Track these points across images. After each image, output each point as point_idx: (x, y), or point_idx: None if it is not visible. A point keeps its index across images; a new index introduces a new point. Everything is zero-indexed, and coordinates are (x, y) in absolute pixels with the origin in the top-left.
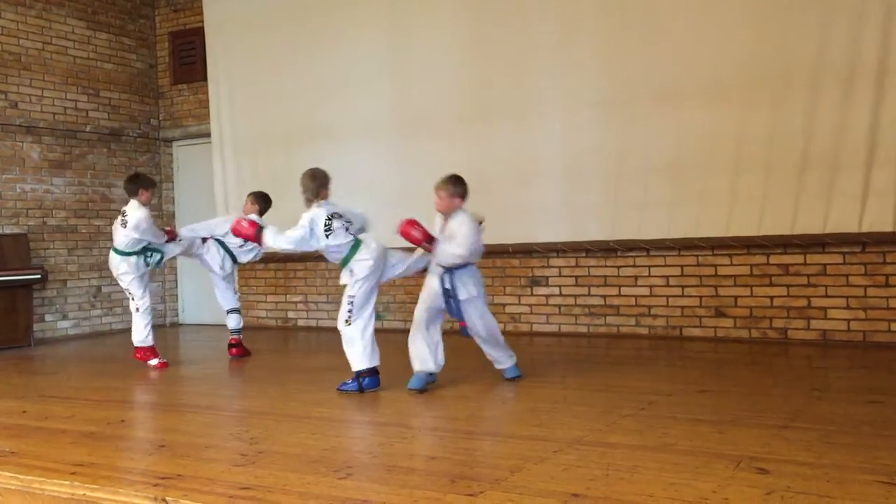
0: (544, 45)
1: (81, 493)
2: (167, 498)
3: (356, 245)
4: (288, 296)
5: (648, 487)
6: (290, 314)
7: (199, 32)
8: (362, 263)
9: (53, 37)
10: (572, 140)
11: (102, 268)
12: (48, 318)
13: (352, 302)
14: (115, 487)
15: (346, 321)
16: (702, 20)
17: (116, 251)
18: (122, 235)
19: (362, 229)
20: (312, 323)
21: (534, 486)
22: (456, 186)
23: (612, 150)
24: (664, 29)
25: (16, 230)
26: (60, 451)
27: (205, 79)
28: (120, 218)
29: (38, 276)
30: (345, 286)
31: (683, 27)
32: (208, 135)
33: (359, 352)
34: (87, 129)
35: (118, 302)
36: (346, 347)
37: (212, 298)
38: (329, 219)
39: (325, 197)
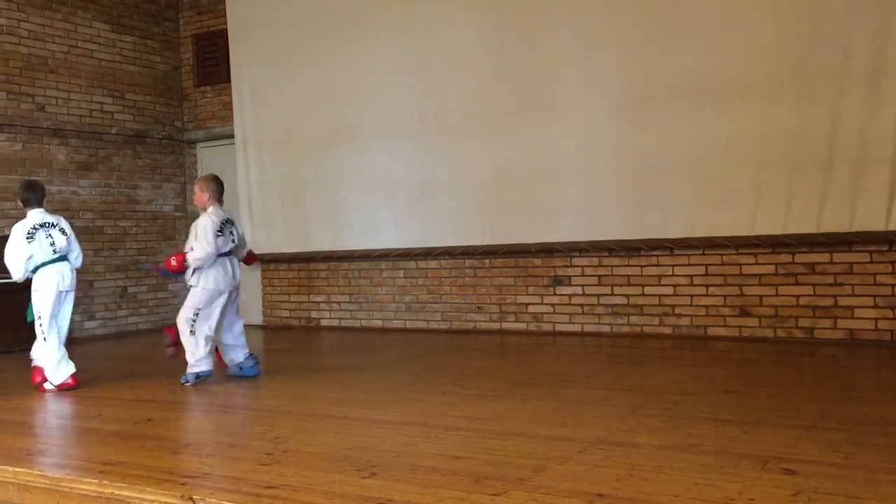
0: (565, 44)
1: (110, 491)
2: (194, 496)
3: None
4: (311, 296)
5: (674, 488)
6: (314, 314)
7: (222, 35)
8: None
9: (79, 40)
10: (594, 138)
11: (128, 269)
12: (76, 318)
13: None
14: (143, 486)
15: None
16: (724, 16)
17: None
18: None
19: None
20: (335, 323)
21: (558, 486)
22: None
23: (635, 148)
24: (686, 26)
25: None
26: (88, 449)
27: (228, 81)
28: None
29: None
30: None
31: (706, 24)
32: (232, 136)
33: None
34: (113, 131)
35: (144, 302)
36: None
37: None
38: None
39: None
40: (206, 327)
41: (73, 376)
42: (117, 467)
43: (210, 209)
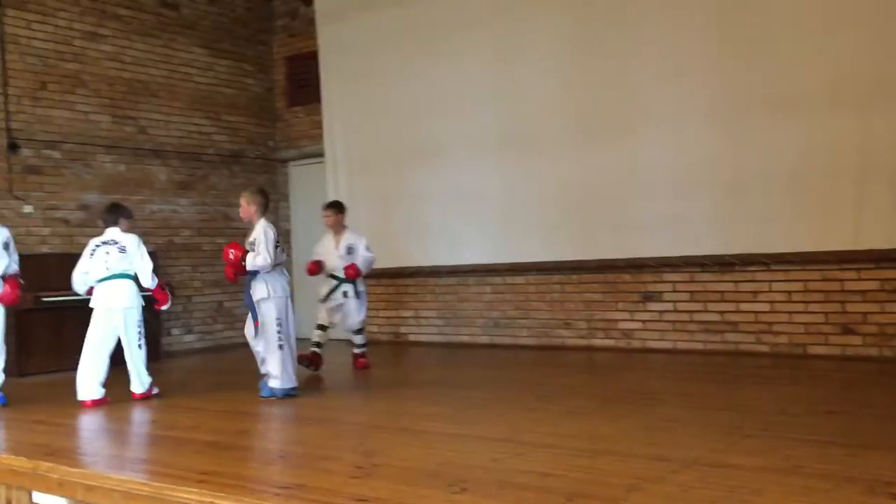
0: (652, 54)
1: (209, 500)
2: None
3: None
4: (399, 311)
5: None
6: (402, 329)
7: (313, 56)
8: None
9: (179, 64)
10: (684, 151)
11: (223, 284)
12: (175, 331)
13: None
14: (240, 496)
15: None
16: (820, 22)
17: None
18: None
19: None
20: (423, 338)
21: None
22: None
23: (728, 160)
24: (780, 32)
25: (146, 248)
26: (187, 459)
27: (319, 100)
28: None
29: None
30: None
31: (801, 30)
32: (322, 154)
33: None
34: (210, 151)
35: (239, 317)
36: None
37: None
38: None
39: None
40: (291, 338)
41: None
42: (214, 477)
43: (262, 221)
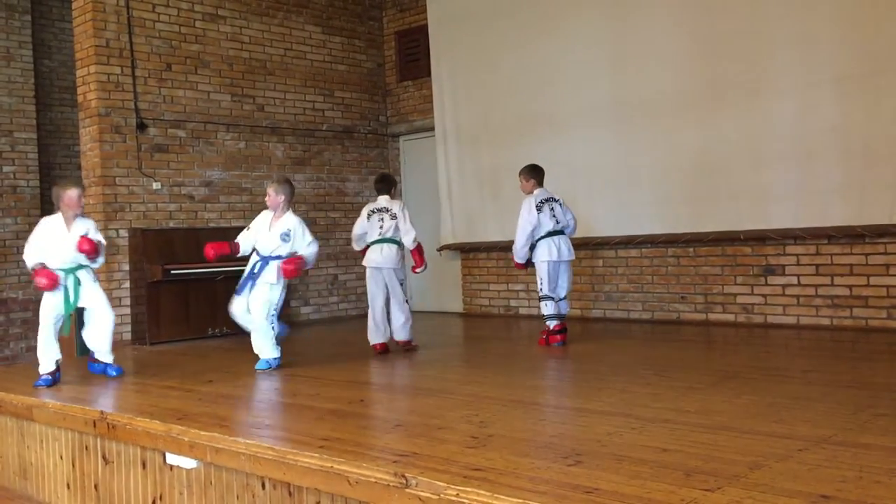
0: (778, 14)
1: (329, 465)
2: (406, 474)
3: None
4: (510, 284)
5: None
6: (513, 303)
7: (423, 30)
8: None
9: (293, 43)
10: (811, 118)
11: (339, 257)
12: (292, 303)
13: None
14: (359, 462)
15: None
16: None
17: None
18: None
19: None
20: (534, 311)
21: (777, 485)
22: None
23: (859, 127)
24: None
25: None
26: (308, 425)
27: (428, 75)
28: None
29: None
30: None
31: None
32: (432, 129)
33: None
34: (324, 127)
35: (353, 290)
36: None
37: (436, 287)
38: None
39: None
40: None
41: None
42: (335, 443)
43: (291, 213)
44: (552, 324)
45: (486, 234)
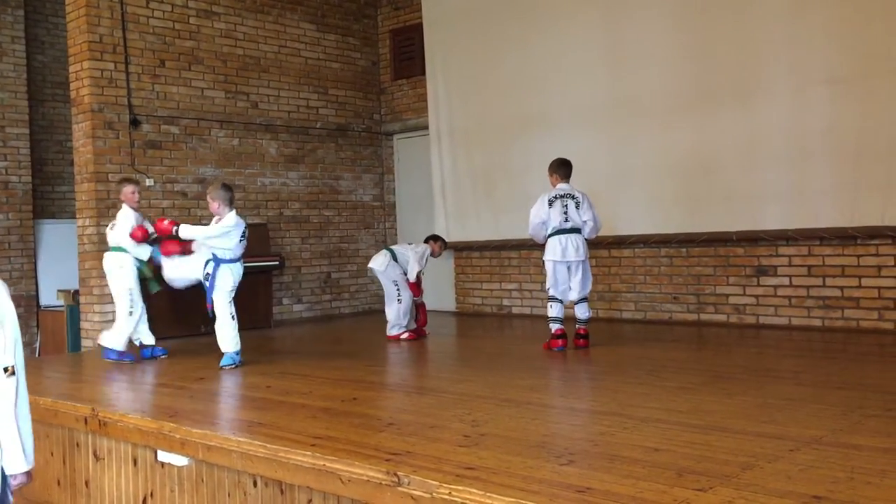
0: (771, 17)
1: (322, 463)
2: (399, 473)
3: None
4: (503, 283)
5: None
6: (505, 302)
7: (417, 29)
8: None
9: (288, 40)
10: (803, 119)
11: (332, 255)
12: (285, 301)
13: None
14: (352, 460)
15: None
16: None
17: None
18: None
19: None
20: (527, 311)
21: (768, 486)
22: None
23: (851, 129)
24: None
25: (257, 220)
26: (301, 423)
27: (423, 73)
28: None
29: (277, 263)
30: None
31: None
32: (426, 127)
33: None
34: (318, 125)
35: (346, 287)
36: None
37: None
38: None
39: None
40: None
41: None
42: (328, 441)
43: (232, 212)
44: (553, 327)
45: (479, 232)
